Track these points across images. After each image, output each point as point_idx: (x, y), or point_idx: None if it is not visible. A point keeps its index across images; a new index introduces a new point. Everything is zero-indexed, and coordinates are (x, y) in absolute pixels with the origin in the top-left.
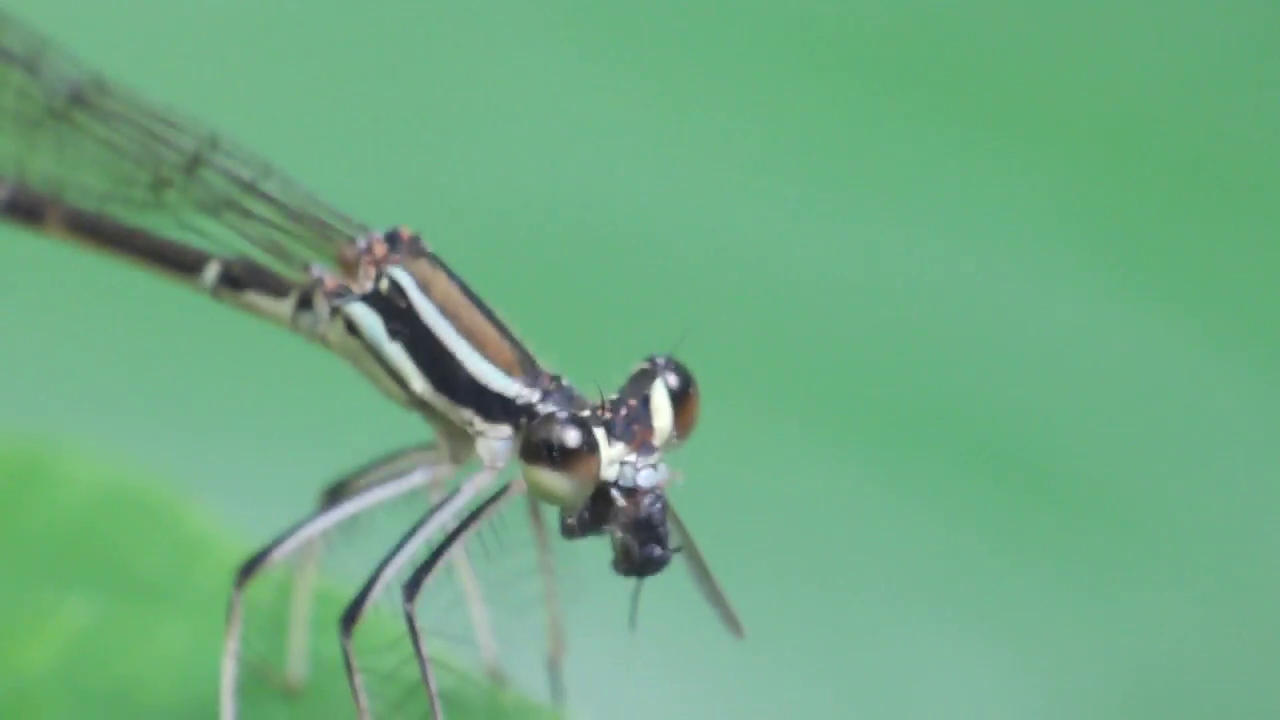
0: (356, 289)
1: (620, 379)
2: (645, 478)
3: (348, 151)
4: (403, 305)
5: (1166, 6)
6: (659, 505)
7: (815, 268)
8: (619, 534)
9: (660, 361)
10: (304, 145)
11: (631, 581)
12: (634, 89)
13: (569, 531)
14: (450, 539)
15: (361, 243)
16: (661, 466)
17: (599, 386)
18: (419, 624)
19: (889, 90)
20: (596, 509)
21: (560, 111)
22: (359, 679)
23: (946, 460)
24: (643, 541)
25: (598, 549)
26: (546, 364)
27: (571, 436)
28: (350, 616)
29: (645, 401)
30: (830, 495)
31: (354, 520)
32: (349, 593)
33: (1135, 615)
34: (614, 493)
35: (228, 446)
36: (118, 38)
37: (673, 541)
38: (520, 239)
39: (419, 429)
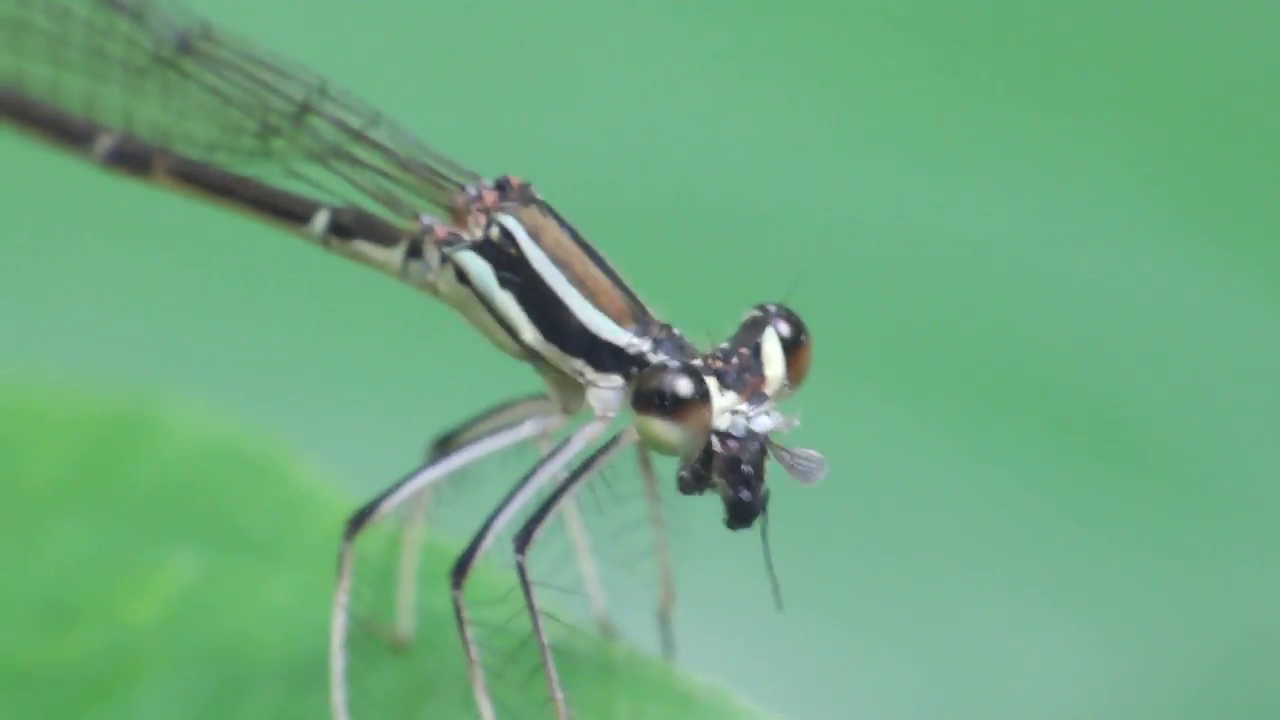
0: (467, 236)
1: (730, 329)
2: (759, 424)
3: (449, 109)
4: (513, 253)
5: None
6: (753, 449)
7: (900, 230)
8: (728, 479)
9: (771, 309)
10: (407, 102)
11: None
12: (729, 52)
13: (685, 486)
14: (561, 490)
15: (471, 190)
16: (775, 413)
17: (710, 335)
18: (530, 576)
19: (983, 56)
20: (708, 459)
21: (659, 70)
22: (470, 631)
23: (1032, 427)
24: (732, 484)
25: (711, 502)
26: (658, 314)
27: (684, 385)
28: (461, 568)
29: (757, 350)
30: (913, 461)
31: (464, 472)
32: (458, 546)
33: (1222, 588)
34: (728, 442)
35: (334, 401)
36: None
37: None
38: (620, 196)
39: (529, 381)
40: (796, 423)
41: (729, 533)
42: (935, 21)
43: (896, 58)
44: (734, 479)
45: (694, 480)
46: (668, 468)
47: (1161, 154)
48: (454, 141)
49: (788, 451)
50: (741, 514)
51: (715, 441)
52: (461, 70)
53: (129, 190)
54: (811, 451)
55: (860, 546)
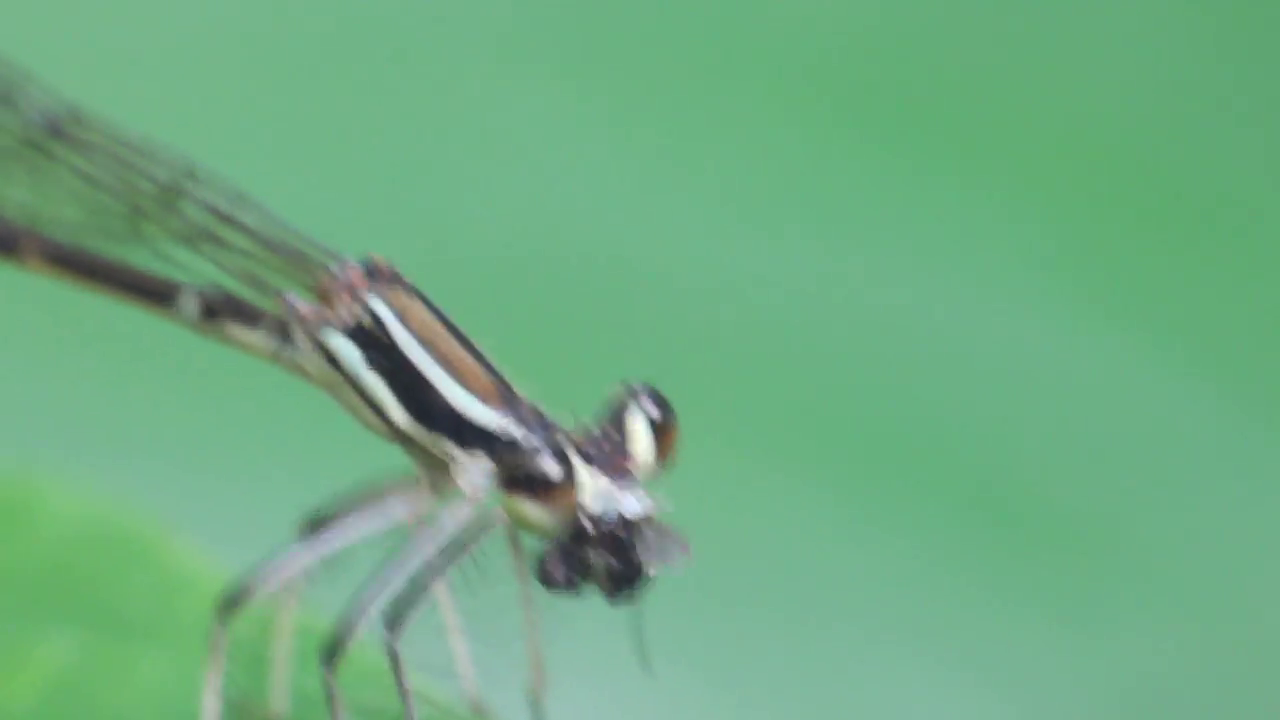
0: (334, 319)
1: (599, 408)
2: (627, 508)
3: (328, 183)
4: (380, 335)
5: (1134, 37)
6: (635, 532)
7: (794, 302)
8: (600, 561)
9: (638, 389)
10: (284, 177)
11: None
12: (613, 122)
13: (549, 581)
14: (431, 571)
15: (338, 272)
16: (643, 495)
17: (577, 416)
18: (401, 657)
19: (868, 125)
20: (576, 539)
21: (539, 145)
22: (342, 713)
23: (923, 495)
24: (620, 567)
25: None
26: (525, 393)
27: (550, 468)
28: (333, 649)
29: (624, 431)
30: (806, 529)
31: (334, 554)
32: (330, 626)
33: (1114, 649)
34: (594, 524)
35: (206, 481)
36: (94, 69)
37: (654, 564)
38: (498, 271)
39: (398, 461)
40: (666, 506)
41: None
42: (834, 91)
43: (795, 126)
44: (622, 563)
45: (562, 572)
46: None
47: (1057, 226)
48: (328, 214)
49: (654, 532)
50: (623, 588)
51: (585, 523)
52: (340, 144)
53: None
54: (675, 536)
55: (750, 615)
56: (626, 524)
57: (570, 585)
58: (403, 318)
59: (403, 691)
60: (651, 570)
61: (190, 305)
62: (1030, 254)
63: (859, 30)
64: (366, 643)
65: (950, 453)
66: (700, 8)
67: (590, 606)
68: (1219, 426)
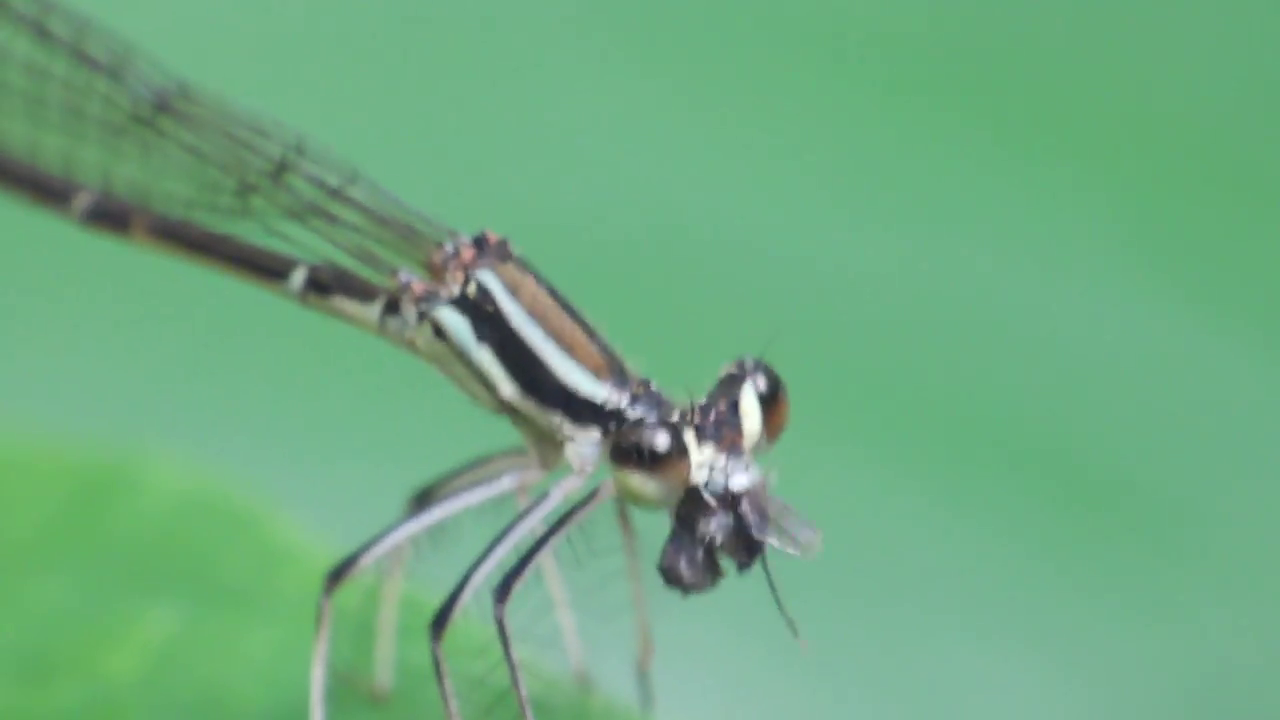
0: (444, 293)
1: (708, 383)
2: (736, 481)
3: (426, 166)
4: (490, 309)
5: (1201, 10)
6: (747, 502)
7: (871, 280)
8: (714, 533)
9: (749, 364)
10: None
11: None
12: (700, 105)
13: (673, 574)
14: (539, 544)
15: (449, 247)
16: (753, 468)
17: (688, 390)
18: (508, 629)
19: (947, 104)
20: (688, 512)
21: (624, 126)
22: (449, 684)
23: (999, 473)
24: (733, 538)
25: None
26: (635, 368)
27: (661, 440)
28: (439, 621)
29: (734, 405)
30: (882, 509)
31: (442, 526)
32: (435, 599)
33: (1188, 630)
34: (705, 496)
35: (314, 453)
36: (204, 46)
37: (767, 534)
38: (595, 251)
39: (507, 434)
40: (774, 478)
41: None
42: (907, 71)
43: (870, 108)
44: (738, 542)
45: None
46: (646, 521)
47: (1133, 201)
48: (431, 198)
49: (769, 505)
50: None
51: (709, 500)
52: (439, 128)
53: (110, 246)
54: (799, 514)
55: (831, 596)
56: (736, 495)
57: (693, 577)
58: (513, 292)
59: (510, 664)
60: (765, 540)
61: (300, 280)
62: (1112, 234)
63: (928, 6)
64: (473, 615)
65: (1032, 436)
66: None
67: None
68: None
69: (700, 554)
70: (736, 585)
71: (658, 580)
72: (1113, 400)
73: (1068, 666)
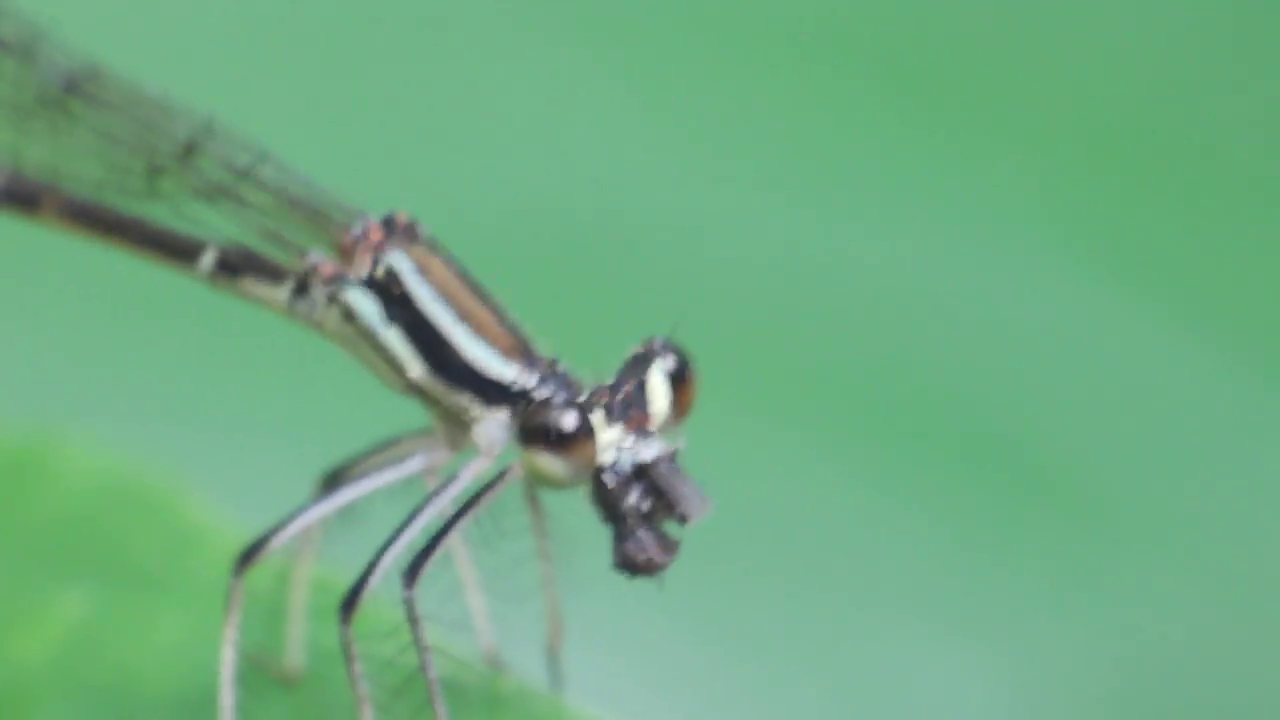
0: (353, 274)
1: (617, 364)
2: (643, 453)
3: (343, 145)
4: (399, 290)
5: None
6: (656, 473)
7: (803, 265)
8: (639, 508)
9: (657, 344)
10: (301, 139)
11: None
12: (628, 85)
13: (630, 564)
14: (448, 525)
15: (358, 228)
16: (660, 444)
17: (595, 370)
18: (418, 611)
19: (885, 87)
20: (608, 496)
21: (554, 107)
22: (358, 666)
23: (928, 456)
24: (663, 514)
25: (600, 536)
26: (544, 349)
27: (569, 420)
28: (349, 603)
29: (642, 384)
30: (811, 492)
31: (351, 507)
32: (347, 581)
33: (1120, 616)
34: (613, 475)
35: (223, 437)
36: (113, 26)
37: (695, 507)
38: (514, 232)
39: (416, 414)
40: (681, 446)
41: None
42: (835, 51)
43: (793, 87)
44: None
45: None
46: (555, 502)
47: (1060, 183)
48: (345, 176)
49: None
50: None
51: (615, 480)
52: (354, 105)
53: (17, 228)
54: (694, 482)
55: (758, 578)
56: (644, 468)
57: (647, 556)
58: (422, 273)
59: (419, 645)
60: (682, 508)
61: (209, 261)
62: (1042, 219)
63: None
64: (383, 597)
65: (960, 420)
66: None
67: (604, 565)
68: (1231, 393)
69: (641, 531)
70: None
71: (568, 561)
72: (1044, 385)
73: (997, 649)
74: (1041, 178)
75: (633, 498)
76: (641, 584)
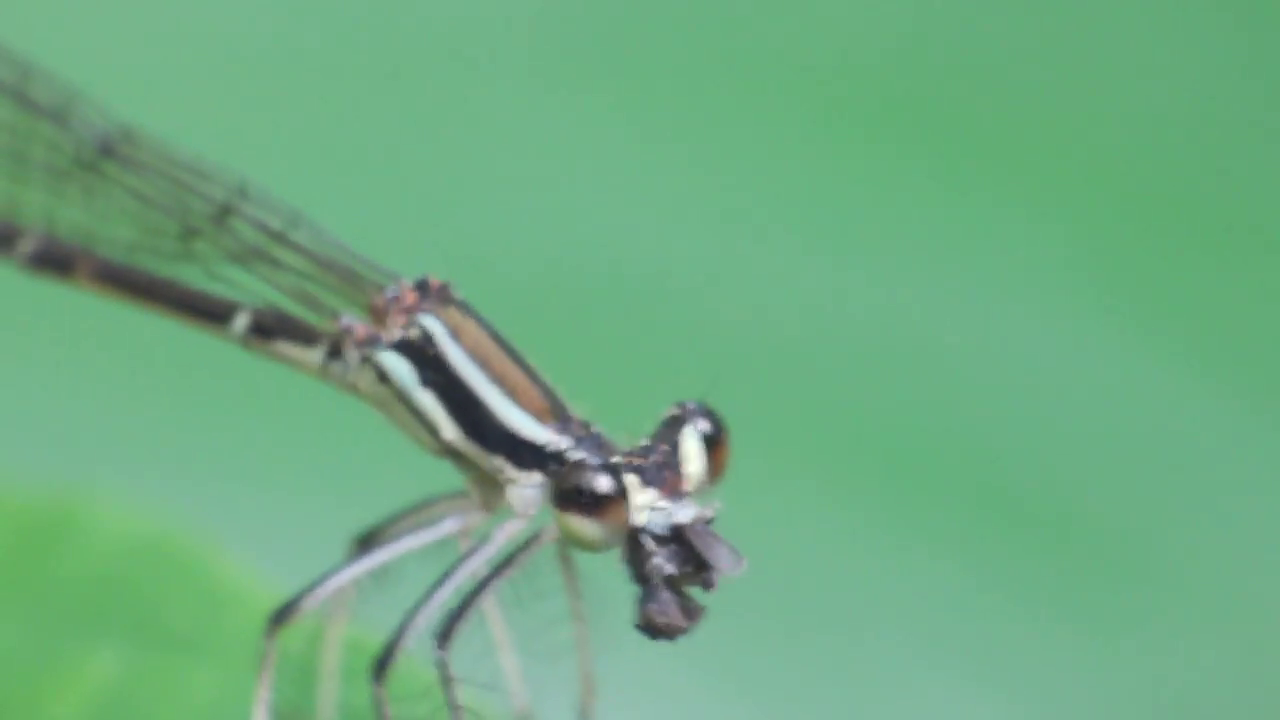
0: (386, 337)
1: (650, 427)
2: (680, 515)
3: (368, 206)
4: (433, 353)
5: (1154, 44)
6: (691, 535)
7: (827, 315)
8: (666, 571)
9: (691, 407)
10: (324, 201)
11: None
12: (650, 136)
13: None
14: (481, 586)
15: (391, 291)
16: (695, 506)
17: (629, 434)
18: (451, 671)
19: (908, 140)
20: (638, 557)
21: (576, 159)
22: None
23: (949, 503)
24: (691, 579)
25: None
26: (577, 411)
27: (603, 483)
28: (382, 664)
29: (676, 447)
30: (831, 539)
31: (385, 569)
32: (379, 641)
33: (1148, 662)
34: (648, 537)
35: (257, 498)
36: (146, 89)
37: (728, 564)
38: (543, 292)
39: (451, 475)
40: (716, 511)
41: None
42: (860, 102)
43: (821, 141)
44: (691, 572)
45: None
46: (589, 563)
47: (1083, 233)
48: (376, 239)
49: (710, 535)
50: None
51: (650, 542)
52: (385, 168)
53: (50, 290)
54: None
55: (781, 627)
56: (679, 530)
57: (670, 619)
58: (456, 335)
59: (452, 706)
60: (716, 566)
61: (243, 323)
62: (1054, 263)
63: (885, 41)
64: (416, 658)
65: (985, 468)
66: (726, 24)
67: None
68: (1260, 441)
69: (665, 594)
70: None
71: (601, 622)
72: (1058, 426)
73: (1021, 696)
74: (1065, 229)
75: (660, 560)
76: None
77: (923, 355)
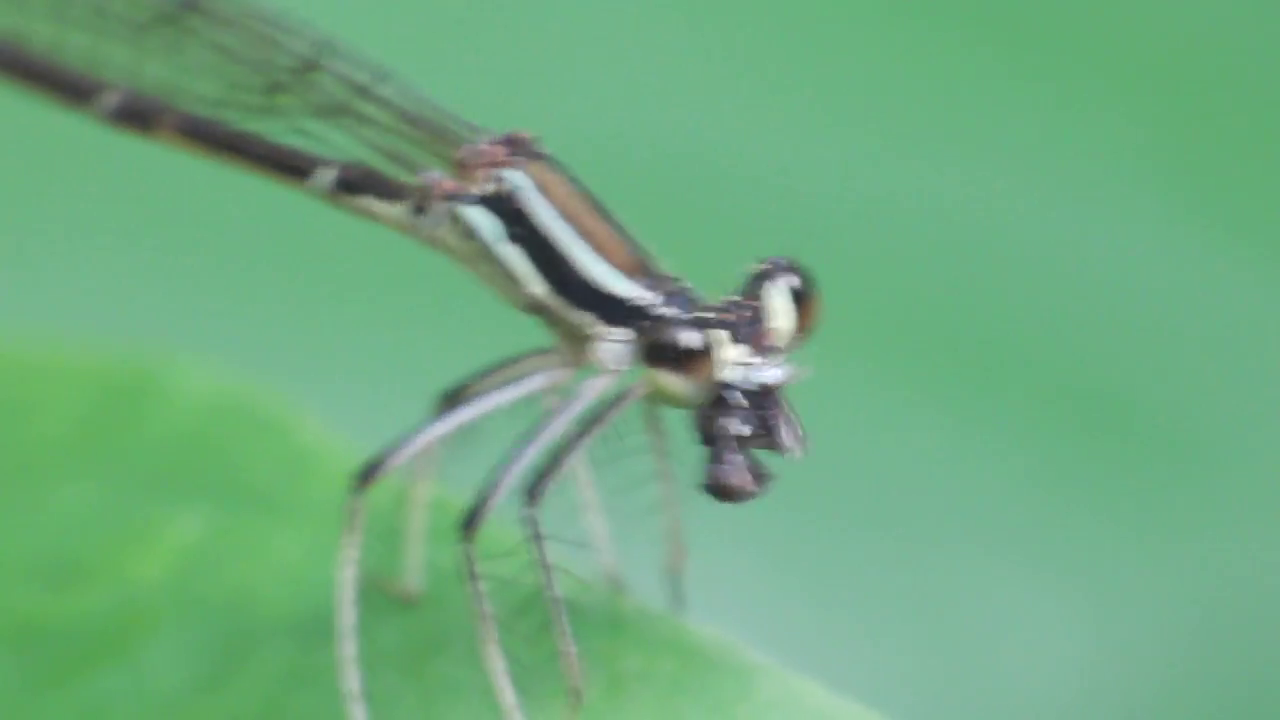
0: (473, 192)
1: (736, 284)
2: (768, 376)
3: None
4: (520, 208)
5: None
6: (774, 400)
7: (892, 204)
8: (742, 434)
9: (781, 262)
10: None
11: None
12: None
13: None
14: (569, 444)
15: (478, 145)
16: (784, 365)
17: (719, 288)
18: (540, 529)
19: (983, 35)
20: (716, 414)
21: (662, 43)
22: (479, 585)
23: (1022, 401)
24: (760, 442)
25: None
26: (666, 267)
27: (692, 338)
28: (470, 522)
29: (765, 302)
30: (905, 437)
31: (471, 426)
32: (464, 501)
33: (1207, 555)
34: (734, 393)
35: (341, 359)
36: None
37: (793, 442)
38: (617, 164)
39: (536, 335)
40: (807, 374)
41: (715, 511)
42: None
43: (893, 33)
44: (761, 439)
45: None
46: (678, 423)
47: (1155, 130)
48: (459, 105)
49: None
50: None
51: (739, 398)
52: (467, 38)
53: (135, 153)
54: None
55: (852, 523)
56: (766, 391)
57: (739, 481)
58: (544, 190)
59: (542, 565)
60: (786, 440)
61: (328, 178)
62: (1140, 167)
63: None
64: (503, 516)
65: (1049, 360)
66: None
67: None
68: None
69: (738, 456)
70: (755, 514)
71: (689, 483)
72: (1131, 326)
73: (1090, 594)
74: (1142, 128)
75: (737, 419)
76: (735, 523)
77: (995, 250)
